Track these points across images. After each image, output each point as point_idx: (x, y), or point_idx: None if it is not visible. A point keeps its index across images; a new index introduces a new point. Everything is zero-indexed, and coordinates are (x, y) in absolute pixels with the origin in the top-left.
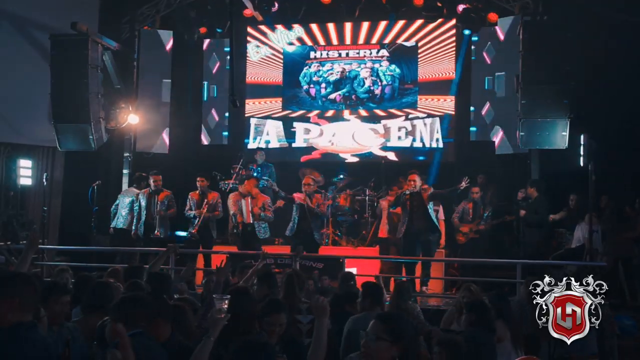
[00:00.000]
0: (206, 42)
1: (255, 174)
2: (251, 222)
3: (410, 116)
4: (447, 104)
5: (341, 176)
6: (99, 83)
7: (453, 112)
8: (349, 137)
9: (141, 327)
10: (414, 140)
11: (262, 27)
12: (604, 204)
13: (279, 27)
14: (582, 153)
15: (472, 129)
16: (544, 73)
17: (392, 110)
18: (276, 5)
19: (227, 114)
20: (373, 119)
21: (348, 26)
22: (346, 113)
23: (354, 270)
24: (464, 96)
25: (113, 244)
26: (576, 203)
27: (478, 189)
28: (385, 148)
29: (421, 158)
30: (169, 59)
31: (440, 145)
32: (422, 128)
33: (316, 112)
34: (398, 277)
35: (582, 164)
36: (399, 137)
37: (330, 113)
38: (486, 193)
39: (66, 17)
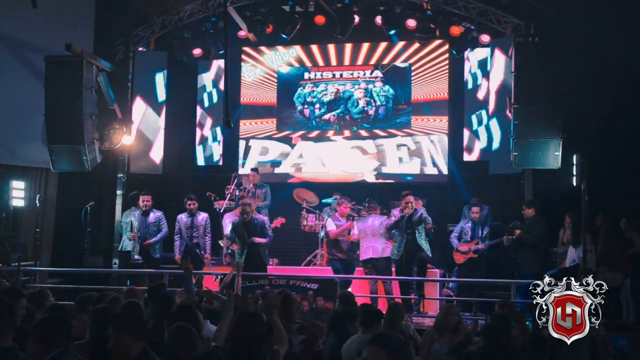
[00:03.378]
0: (201, 63)
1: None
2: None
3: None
4: (440, 124)
5: (331, 199)
6: (93, 104)
7: (446, 132)
8: (337, 163)
9: (62, 346)
10: (423, 162)
11: (259, 48)
12: (599, 223)
13: (277, 47)
14: (574, 173)
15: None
16: (537, 93)
17: (390, 131)
18: (270, 26)
19: (217, 134)
20: (366, 139)
21: (348, 47)
22: (330, 133)
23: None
24: (456, 116)
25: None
26: (571, 224)
27: (478, 208)
28: (381, 174)
29: (409, 178)
30: (164, 80)
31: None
32: (430, 146)
33: (301, 132)
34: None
35: (574, 183)
36: (400, 159)
37: (314, 134)
38: (481, 213)
39: (61, 38)
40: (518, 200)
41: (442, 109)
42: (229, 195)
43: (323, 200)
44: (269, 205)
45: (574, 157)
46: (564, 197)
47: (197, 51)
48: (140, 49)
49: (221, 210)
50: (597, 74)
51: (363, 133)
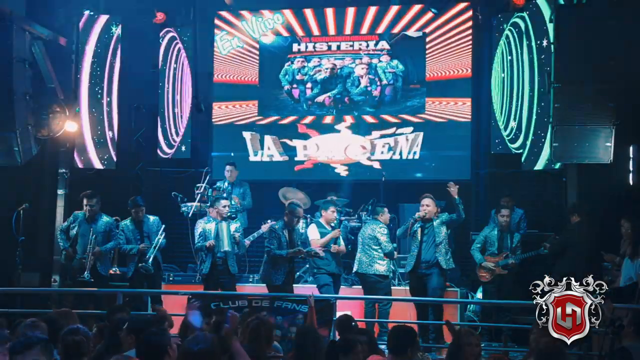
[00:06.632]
0: (163, 31)
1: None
2: (229, 250)
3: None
4: (462, 107)
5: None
6: (26, 81)
7: (469, 118)
8: (337, 157)
9: None
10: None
11: (239, 12)
12: None
13: (262, 12)
14: (631, 168)
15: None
16: (583, 69)
17: (400, 116)
18: None
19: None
20: (370, 128)
21: (350, 12)
22: (327, 119)
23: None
24: (482, 98)
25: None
26: (631, 230)
27: (508, 211)
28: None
29: (419, 175)
30: (117, 52)
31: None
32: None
33: (301, 118)
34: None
35: (631, 181)
36: (409, 151)
37: (306, 120)
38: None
39: None
40: (558, 202)
41: (464, 89)
42: (200, 196)
43: (316, 202)
44: (248, 208)
45: (630, 148)
46: (618, 198)
47: (159, 16)
48: (87, 12)
49: (189, 215)
50: None
51: (368, 119)
